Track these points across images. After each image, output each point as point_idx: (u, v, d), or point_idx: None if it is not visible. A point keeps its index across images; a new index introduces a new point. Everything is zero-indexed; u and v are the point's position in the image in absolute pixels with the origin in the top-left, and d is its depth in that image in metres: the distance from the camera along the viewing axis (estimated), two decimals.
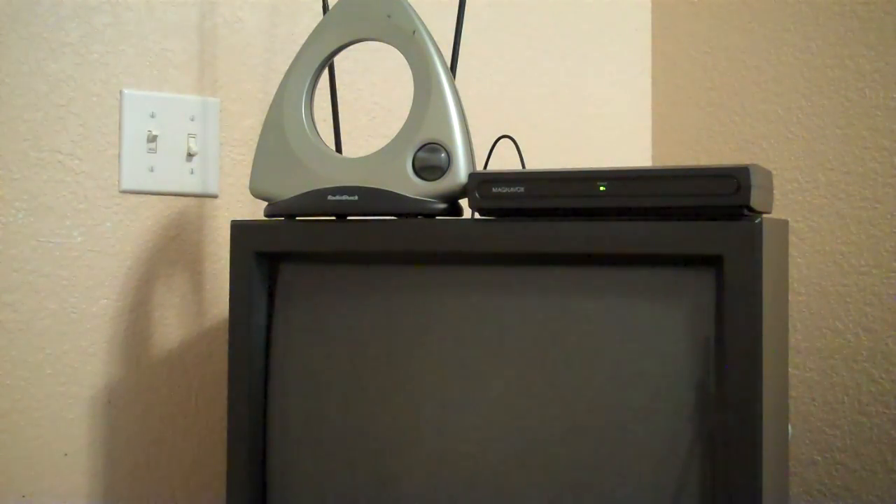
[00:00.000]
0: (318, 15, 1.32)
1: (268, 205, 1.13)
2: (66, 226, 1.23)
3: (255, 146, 1.15)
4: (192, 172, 1.31)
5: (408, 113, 1.08)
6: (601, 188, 0.96)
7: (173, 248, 1.31)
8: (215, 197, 1.34)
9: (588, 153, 1.72)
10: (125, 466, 1.27)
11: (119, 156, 1.26)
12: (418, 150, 1.06)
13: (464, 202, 1.06)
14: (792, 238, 1.55)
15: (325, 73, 1.19)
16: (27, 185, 1.20)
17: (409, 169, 1.06)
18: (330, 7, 1.15)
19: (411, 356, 1.05)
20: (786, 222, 1.14)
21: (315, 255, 1.10)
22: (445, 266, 1.04)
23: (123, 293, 1.27)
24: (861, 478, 1.49)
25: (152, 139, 1.28)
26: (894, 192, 1.48)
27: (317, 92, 1.14)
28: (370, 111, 1.47)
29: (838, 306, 1.52)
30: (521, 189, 0.99)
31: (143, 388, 1.29)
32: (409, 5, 1.10)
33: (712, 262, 0.92)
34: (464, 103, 1.08)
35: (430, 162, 1.05)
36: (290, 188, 1.11)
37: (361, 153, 1.12)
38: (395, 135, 1.08)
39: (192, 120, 1.31)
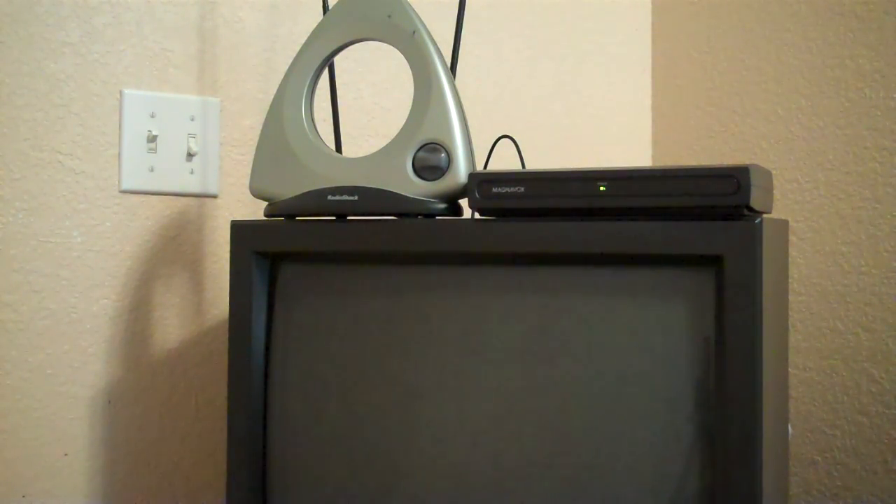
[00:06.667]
0: (318, 15, 1.32)
1: (268, 205, 1.13)
2: (66, 226, 1.23)
3: (255, 146, 1.15)
4: (192, 172, 1.31)
5: (408, 113, 1.08)
6: (601, 188, 0.96)
7: (173, 248, 1.31)
8: (215, 197, 1.34)
9: (588, 153, 1.72)
10: (125, 466, 1.27)
11: (119, 156, 1.26)
12: (418, 150, 1.06)
13: (464, 202, 1.06)
14: (792, 238, 1.55)
15: (325, 73, 1.19)
16: (27, 185, 1.20)
17: (409, 169, 1.06)
18: (330, 7, 1.15)
19: (411, 356, 1.05)
20: (786, 222, 1.14)
21: (315, 255, 1.10)
22: (445, 266, 1.04)
23: (123, 293, 1.27)
24: (861, 478, 1.49)
25: (152, 139, 1.28)
26: (894, 192, 1.48)
27: (317, 92, 1.14)
28: (370, 111, 1.47)
29: (838, 306, 1.52)
30: (521, 189, 0.99)
31: (143, 388, 1.29)
32: (409, 5, 1.10)
33: (712, 262, 0.92)
34: (464, 103, 1.08)
35: (430, 162, 1.05)
36: (290, 188, 1.11)
37: (361, 153, 1.12)
38: (395, 135, 1.08)
39: (192, 120, 1.31)
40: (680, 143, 1.74)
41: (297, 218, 1.11)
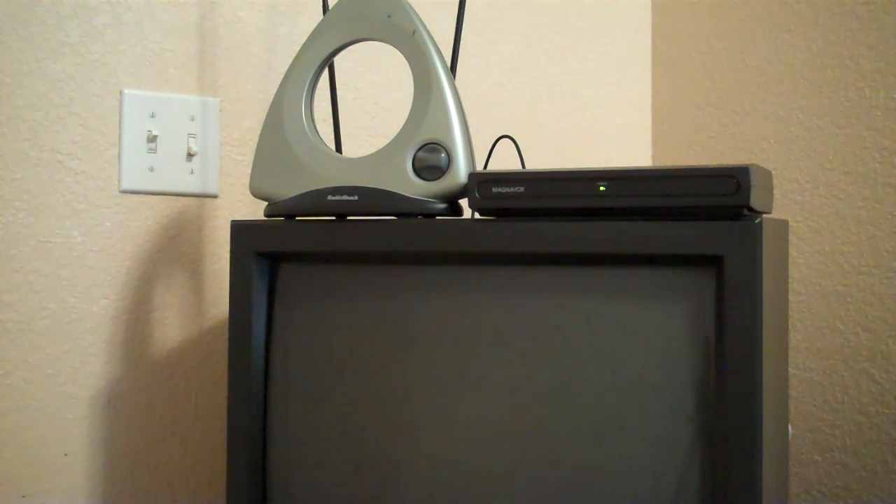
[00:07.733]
0: (318, 15, 1.32)
1: (268, 205, 1.13)
2: (66, 226, 1.23)
3: (255, 146, 1.15)
4: (192, 172, 1.31)
5: (408, 113, 1.08)
6: (601, 188, 0.96)
7: (173, 248, 1.31)
8: (215, 197, 1.34)
9: (588, 153, 1.72)
10: (125, 466, 1.27)
11: (119, 156, 1.26)
12: (418, 150, 1.06)
13: (464, 202, 1.06)
14: (792, 238, 1.55)
15: (325, 73, 1.19)
16: (27, 185, 1.20)
17: (409, 169, 1.06)
18: (330, 7, 1.15)
19: (411, 356, 1.05)
20: (786, 222, 1.14)
21: (315, 255, 1.10)
22: (445, 266, 1.04)
23: (123, 293, 1.27)
24: (861, 478, 1.49)
25: (152, 139, 1.28)
26: (894, 192, 1.48)
27: (317, 92, 1.14)
28: (370, 111, 1.47)
29: (838, 306, 1.52)
30: (521, 189, 0.99)
31: (143, 388, 1.29)
32: (409, 5, 1.10)
33: (712, 262, 0.92)
34: (464, 103, 1.08)
35: (430, 162, 1.05)
36: (290, 188, 1.11)
37: (361, 153, 1.12)
38: (395, 135, 1.08)
39: (192, 120, 1.31)
40: (680, 143, 1.74)
41: (297, 218, 1.11)
